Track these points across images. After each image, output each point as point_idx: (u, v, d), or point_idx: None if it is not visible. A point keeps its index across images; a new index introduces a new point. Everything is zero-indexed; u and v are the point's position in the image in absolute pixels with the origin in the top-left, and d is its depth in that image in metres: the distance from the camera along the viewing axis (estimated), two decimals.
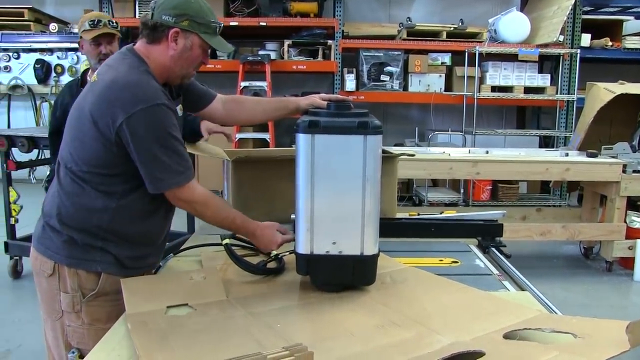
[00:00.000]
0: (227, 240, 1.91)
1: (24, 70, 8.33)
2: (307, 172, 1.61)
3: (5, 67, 8.36)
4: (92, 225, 1.77)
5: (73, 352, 1.79)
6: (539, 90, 7.03)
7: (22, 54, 8.28)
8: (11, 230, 4.67)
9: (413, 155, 2.64)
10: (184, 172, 1.74)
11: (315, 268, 1.68)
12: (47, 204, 1.85)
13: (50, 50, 8.21)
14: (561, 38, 6.79)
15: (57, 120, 2.99)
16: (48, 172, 3.01)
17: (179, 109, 1.99)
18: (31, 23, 7.97)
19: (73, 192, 1.77)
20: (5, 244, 4.62)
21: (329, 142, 1.60)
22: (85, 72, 3.18)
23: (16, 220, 4.67)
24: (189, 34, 1.78)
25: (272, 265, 1.93)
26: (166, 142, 1.71)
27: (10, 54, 8.29)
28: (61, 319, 1.81)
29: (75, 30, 7.97)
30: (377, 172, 1.62)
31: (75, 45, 7.88)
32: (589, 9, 7.36)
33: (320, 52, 7.20)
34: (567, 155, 5.28)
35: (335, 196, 1.62)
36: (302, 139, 1.61)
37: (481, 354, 1.20)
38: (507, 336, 1.34)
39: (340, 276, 1.67)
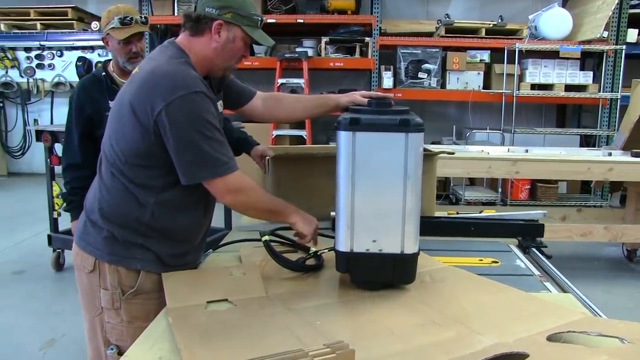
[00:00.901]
0: (266, 237, 1.92)
1: (66, 67, 8.55)
2: (348, 170, 1.60)
3: (49, 65, 8.58)
4: (132, 221, 1.77)
5: (112, 349, 1.80)
6: (581, 88, 6.87)
7: (65, 52, 8.50)
8: (54, 223, 4.79)
9: (453, 153, 2.60)
10: (227, 162, 1.72)
11: (355, 266, 1.67)
12: (89, 199, 1.87)
13: (92, 48, 8.39)
14: (605, 34, 6.62)
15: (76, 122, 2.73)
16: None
17: (220, 104, 1.96)
18: (74, 21, 8.17)
19: (113, 186, 1.78)
20: (49, 236, 4.75)
21: (370, 139, 1.59)
22: (106, 64, 2.83)
23: (59, 214, 4.78)
24: (232, 26, 1.77)
25: (311, 262, 1.93)
26: (207, 130, 1.68)
27: (54, 52, 8.50)
28: (100, 315, 1.82)
29: None
30: (418, 170, 1.61)
31: None
32: (636, 2, 7.11)
33: (357, 49, 7.18)
34: (610, 154, 5.15)
35: (376, 194, 1.61)
36: (343, 136, 1.60)
37: (525, 356, 1.18)
38: (550, 338, 1.31)
39: (380, 274, 1.67)
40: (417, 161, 1.60)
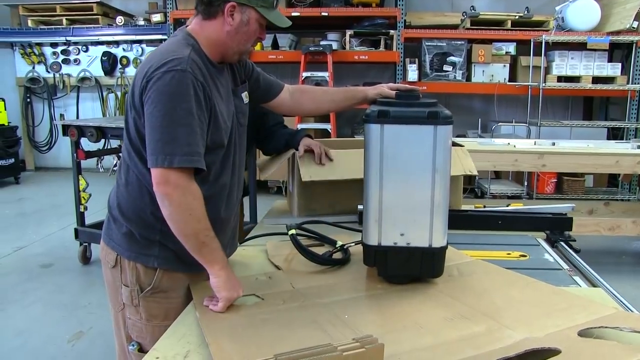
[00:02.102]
0: (293, 231, 1.91)
1: (91, 62, 8.66)
2: (376, 163, 1.59)
3: (75, 60, 8.70)
4: (148, 216, 1.70)
5: (133, 345, 1.78)
6: (609, 80, 6.74)
7: (90, 47, 8.62)
8: (81, 217, 4.86)
9: (462, 146, 2.59)
10: (187, 155, 1.54)
11: (383, 259, 1.66)
12: (112, 195, 1.84)
13: (117, 43, 8.49)
14: (635, 24, 6.47)
15: None
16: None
17: (245, 96, 1.90)
18: (99, 17, 8.26)
19: (128, 180, 1.74)
20: (75, 230, 4.82)
21: (398, 132, 1.57)
22: None
23: (85, 208, 4.85)
24: (245, 8, 1.69)
25: (337, 256, 1.93)
26: (180, 112, 1.54)
27: (80, 47, 8.62)
28: (122, 311, 1.80)
29: (141, 23, 8.20)
30: (447, 163, 1.59)
31: (140, 37, 8.22)
32: None
33: (382, 42, 7.14)
34: (639, 147, 5.05)
35: (404, 187, 1.60)
36: (371, 129, 1.58)
37: (557, 352, 1.16)
38: (582, 334, 1.29)
39: (408, 268, 1.65)
40: (446, 154, 1.58)
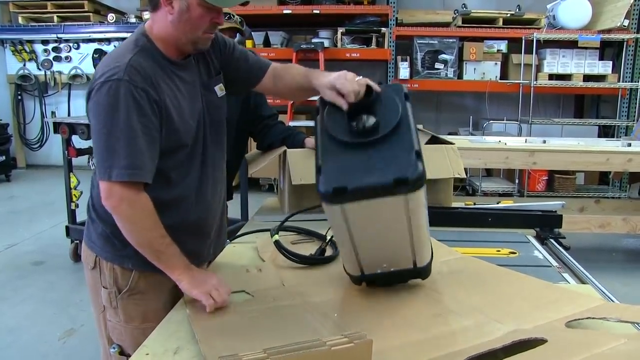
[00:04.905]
0: (276, 237, 1.91)
1: (83, 60, 8.62)
2: (345, 238, 1.43)
3: (66, 57, 8.66)
4: None
5: (114, 348, 1.76)
6: (600, 78, 6.78)
7: (82, 44, 8.56)
8: (72, 215, 4.84)
9: (452, 144, 2.59)
10: (124, 168, 1.49)
11: (369, 280, 1.60)
12: (89, 196, 1.79)
13: (108, 40, 8.44)
14: (626, 22, 6.51)
15: None
16: None
17: (219, 89, 1.79)
18: (90, 14, 8.23)
19: (96, 179, 1.66)
20: (67, 228, 4.80)
21: (363, 207, 1.32)
22: None
23: (76, 205, 4.83)
24: None
25: (329, 250, 1.93)
26: (117, 124, 1.48)
27: (71, 44, 8.57)
28: (103, 313, 1.76)
29: (132, 20, 8.17)
30: (424, 221, 1.44)
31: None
32: None
33: (373, 40, 7.15)
34: (629, 145, 5.08)
35: (380, 242, 1.47)
36: (330, 211, 1.35)
37: (543, 341, 1.17)
38: (570, 325, 1.31)
39: (395, 281, 1.61)
40: (421, 217, 1.41)
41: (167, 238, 1.57)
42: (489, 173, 7.20)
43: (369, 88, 1.51)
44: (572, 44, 6.72)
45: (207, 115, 1.75)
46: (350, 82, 1.52)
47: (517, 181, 6.62)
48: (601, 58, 6.96)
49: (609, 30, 6.56)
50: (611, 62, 6.85)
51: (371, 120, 1.40)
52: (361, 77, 1.55)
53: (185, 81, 1.68)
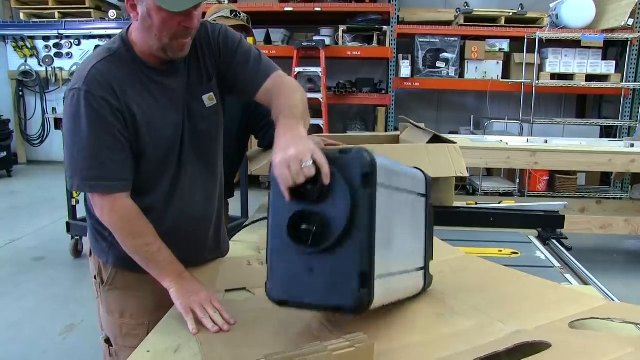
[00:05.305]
0: None
1: (84, 56, 8.58)
2: None
3: (67, 54, 8.64)
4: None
5: (102, 335, 1.77)
6: (602, 77, 6.77)
7: (83, 41, 8.56)
8: (72, 211, 4.83)
9: (455, 143, 2.58)
10: (86, 180, 1.48)
11: None
12: None
13: (109, 37, 8.40)
14: (630, 22, 6.48)
15: None
16: None
17: (207, 98, 1.65)
18: (92, 10, 8.22)
19: None
20: (67, 224, 4.79)
21: None
22: None
23: (77, 202, 4.81)
24: None
25: None
26: (79, 134, 1.45)
27: (72, 40, 8.56)
28: (97, 300, 1.78)
29: None
30: None
31: None
32: None
33: (375, 38, 7.15)
34: (632, 146, 5.07)
35: None
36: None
37: (547, 346, 1.16)
38: (573, 326, 1.29)
39: None
40: None
41: (154, 245, 1.53)
42: (489, 173, 7.19)
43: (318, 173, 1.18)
44: (574, 43, 6.71)
45: (188, 125, 1.62)
46: (293, 175, 1.18)
47: (517, 181, 6.62)
48: (604, 58, 6.94)
49: (612, 30, 6.54)
50: (614, 62, 6.83)
51: (310, 228, 1.16)
52: (311, 163, 1.18)
53: (165, 88, 1.58)
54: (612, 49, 7.28)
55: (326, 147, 1.26)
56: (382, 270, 1.20)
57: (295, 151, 1.21)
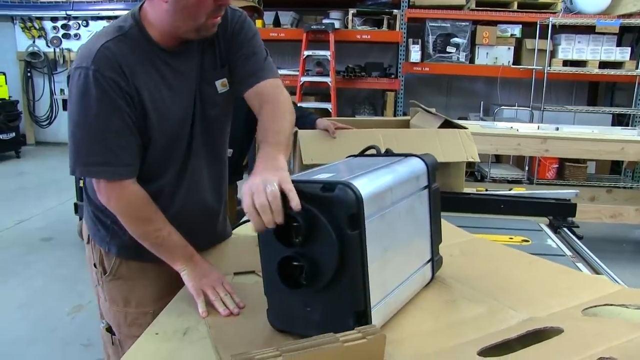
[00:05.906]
0: None
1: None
2: None
3: (75, 35, 8.64)
4: (97, 197, 1.54)
5: (103, 323, 1.75)
6: (616, 64, 6.65)
7: (91, 22, 8.56)
8: (80, 192, 4.82)
9: (466, 128, 2.55)
10: (87, 165, 1.44)
11: None
12: None
13: (117, 18, 8.38)
14: None
15: None
16: None
17: (220, 84, 1.60)
18: None
19: None
20: (75, 205, 4.80)
21: None
22: None
23: (84, 184, 4.82)
24: None
25: None
26: (84, 117, 1.40)
27: (80, 22, 8.54)
28: (96, 288, 1.75)
29: None
30: None
31: None
32: None
33: (385, 22, 7.07)
34: None
35: None
36: None
37: (559, 332, 1.14)
38: (586, 313, 1.27)
39: None
40: None
41: (164, 230, 1.50)
42: (498, 159, 7.14)
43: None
44: (588, 29, 6.59)
45: (200, 110, 1.58)
46: (258, 203, 1.12)
47: (526, 168, 6.56)
48: (619, 44, 6.80)
49: (629, 15, 6.38)
50: (630, 49, 6.68)
51: (300, 269, 1.12)
52: (275, 187, 1.12)
53: (177, 71, 1.52)
54: (628, 34, 7.14)
55: (307, 183, 1.14)
56: (381, 295, 1.19)
57: (260, 179, 1.16)
